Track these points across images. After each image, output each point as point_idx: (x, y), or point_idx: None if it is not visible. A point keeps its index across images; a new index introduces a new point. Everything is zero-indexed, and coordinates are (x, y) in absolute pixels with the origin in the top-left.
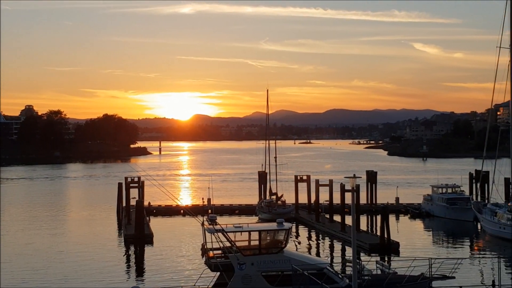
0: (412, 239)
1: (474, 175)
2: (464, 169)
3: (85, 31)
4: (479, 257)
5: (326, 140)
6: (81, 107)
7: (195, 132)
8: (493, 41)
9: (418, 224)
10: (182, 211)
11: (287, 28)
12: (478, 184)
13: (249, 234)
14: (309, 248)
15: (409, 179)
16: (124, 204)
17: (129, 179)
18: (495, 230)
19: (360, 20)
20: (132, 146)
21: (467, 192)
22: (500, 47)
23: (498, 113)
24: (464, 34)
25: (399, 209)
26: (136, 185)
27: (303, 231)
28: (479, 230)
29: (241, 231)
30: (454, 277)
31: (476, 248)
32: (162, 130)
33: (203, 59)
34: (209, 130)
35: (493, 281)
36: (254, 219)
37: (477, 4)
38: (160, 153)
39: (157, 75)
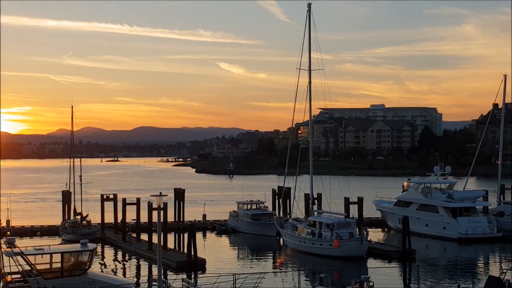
0: (219, 255)
1: (276, 191)
2: (267, 185)
3: None
4: (281, 271)
5: (134, 158)
6: None
7: None
8: (293, 62)
9: (225, 240)
10: None
11: (92, 43)
12: (281, 200)
13: (51, 257)
14: (115, 268)
15: (216, 196)
16: None
17: None
18: (296, 244)
19: (166, 38)
20: None
21: (270, 208)
22: (300, 69)
23: (299, 131)
24: (266, 55)
25: (206, 226)
26: None
27: (109, 251)
28: (282, 245)
29: (42, 254)
30: None
31: (278, 262)
32: None
33: (2, 73)
34: (9, 147)
35: None
36: (58, 240)
37: (277, 27)
38: None
39: None
